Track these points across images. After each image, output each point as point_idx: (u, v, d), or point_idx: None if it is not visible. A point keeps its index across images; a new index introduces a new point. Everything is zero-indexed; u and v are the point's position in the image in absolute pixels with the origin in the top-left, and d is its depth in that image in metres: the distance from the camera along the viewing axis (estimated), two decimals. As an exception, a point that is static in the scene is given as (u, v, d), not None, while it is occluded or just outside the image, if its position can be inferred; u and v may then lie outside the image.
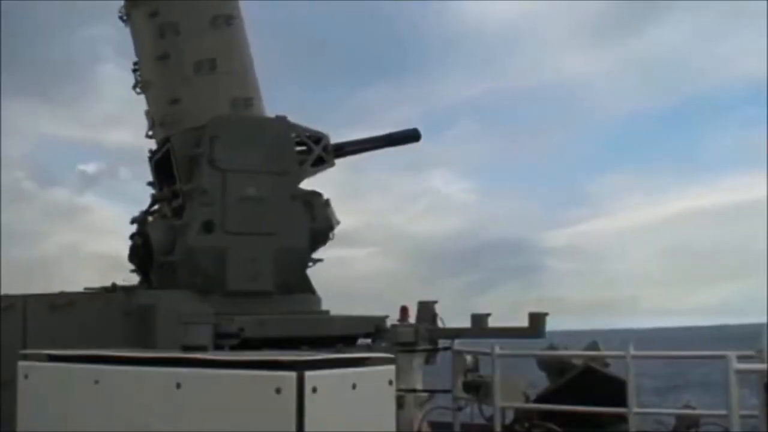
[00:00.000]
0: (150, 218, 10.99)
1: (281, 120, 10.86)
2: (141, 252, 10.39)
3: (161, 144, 11.03)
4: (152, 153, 11.38)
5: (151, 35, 10.94)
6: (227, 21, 11.01)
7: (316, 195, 11.08)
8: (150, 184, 11.50)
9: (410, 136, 11.87)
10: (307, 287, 11.07)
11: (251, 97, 11.11)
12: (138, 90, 11.43)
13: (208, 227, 10.07)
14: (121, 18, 11.34)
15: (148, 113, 11.46)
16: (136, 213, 11.13)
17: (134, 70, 11.51)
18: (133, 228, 10.89)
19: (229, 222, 10.12)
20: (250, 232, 10.21)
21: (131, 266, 10.82)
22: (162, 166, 11.10)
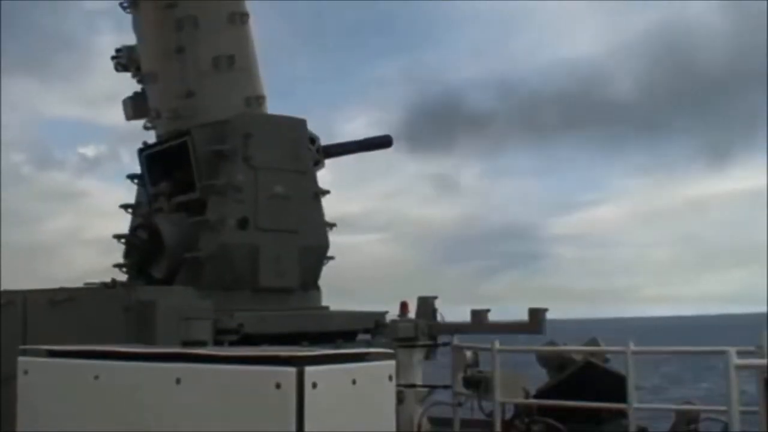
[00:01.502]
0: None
1: (301, 121, 11.09)
2: (147, 246, 10.36)
3: (170, 137, 10.94)
4: (147, 146, 11.31)
5: (164, 26, 10.86)
6: (242, 18, 11.07)
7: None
8: (134, 176, 11.47)
9: (384, 142, 12.26)
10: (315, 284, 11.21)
11: (263, 96, 11.23)
12: (136, 80, 11.44)
13: (242, 224, 10.17)
14: (121, 5, 11.26)
15: (124, 103, 11.52)
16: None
17: (114, 57, 11.50)
18: (122, 221, 10.98)
19: (260, 219, 10.25)
20: (278, 229, 10.37)
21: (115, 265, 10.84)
22: (158, 159, 11.06)
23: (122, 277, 10.70)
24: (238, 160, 10.33)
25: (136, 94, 11.58)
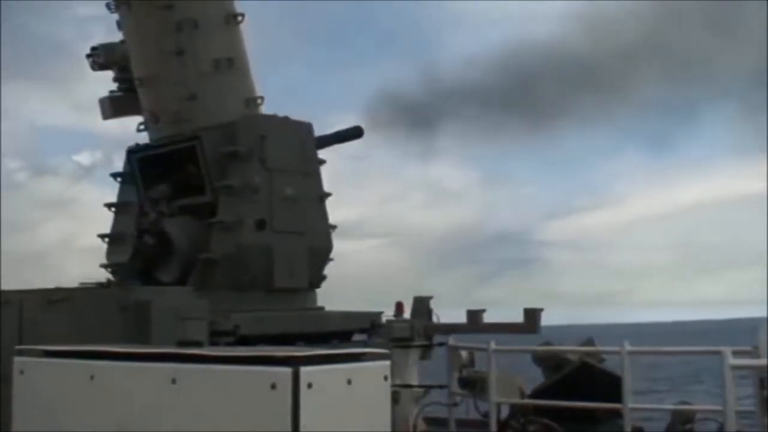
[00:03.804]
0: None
1: (308, 124, 11.18)
2: (154, 251, 10.32)
3: (173, 140, 10.84)
4: (141, 147, 11.23)
5: (161, 29, 10.74)
6: (237, 19, 11.05)
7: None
8: (117, 175, 11.43)
9: (356, 134, 12.26)
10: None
11: (262, 96, 11.24)
12: (113, 78, 11.38)
13: (260, 225, 10.21)
14: (108, 6, 11.08)
15: (102, 102, 11.49)
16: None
17: (89, 55, 11.40)
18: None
19: (274, 220, 10.30)
20: (289, 230, 10.44)
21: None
22: (152, 161, 11.00)
23: (109, 277, 10.72)
24: (254, 162, 10.36)
25: (113, 93, 11.48)
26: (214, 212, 10.31)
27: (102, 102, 11.59)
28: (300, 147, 10.90)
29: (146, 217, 10.54)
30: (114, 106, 11.48)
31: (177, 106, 10.71)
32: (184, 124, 10.69)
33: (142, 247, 10.42)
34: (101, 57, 11.35)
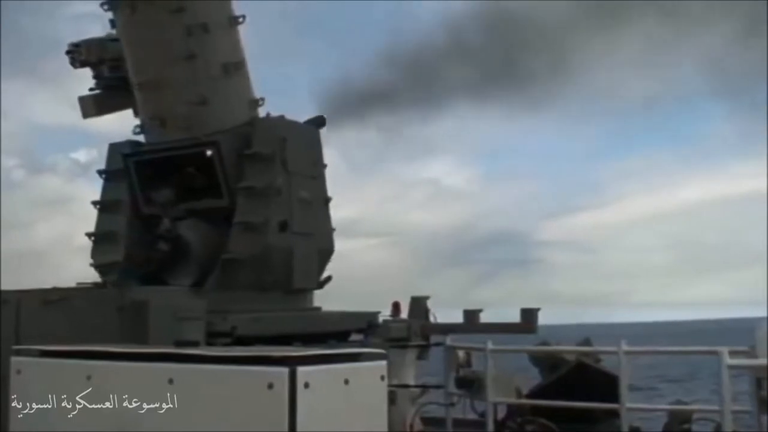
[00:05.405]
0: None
1: (315, 129, 11.30)
2: (167, 257, 10.29)
3: (185, 144, 10.76)
4: (140, 150, 11.14)
5: (171, 32, 10.63)
6: (237, 21, 11.03)
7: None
8: (102, 172, 11.37)
9: (319, 123, 12.30)
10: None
11: (262, 98, 11.24)
12: (93, 75, 11.32)
13: (283, 227, 10.29)
14: (102, 5, 10.70)
15: (84, 100, 11.44)
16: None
17: (69, 52, 11.29)
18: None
19: (293, 222, 10.39)
20: (303, 232, 10.53)
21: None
22: (148, 163, 10.94)
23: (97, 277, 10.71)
24: (276, 164, 10.41)
25: (93, 90, 11.37)
26: (229, 215, 10.31)
27: (83, 100, 11.47)
28: (312, 150, 11.00)
29: (160, 223, 10.48)
30: (98, 105, 11.40)
31: (187, 111, 10.61)
32: (194, 128, 10.62)
33: (156, 254, 10.38)
34: (83, 54, 11.22)
